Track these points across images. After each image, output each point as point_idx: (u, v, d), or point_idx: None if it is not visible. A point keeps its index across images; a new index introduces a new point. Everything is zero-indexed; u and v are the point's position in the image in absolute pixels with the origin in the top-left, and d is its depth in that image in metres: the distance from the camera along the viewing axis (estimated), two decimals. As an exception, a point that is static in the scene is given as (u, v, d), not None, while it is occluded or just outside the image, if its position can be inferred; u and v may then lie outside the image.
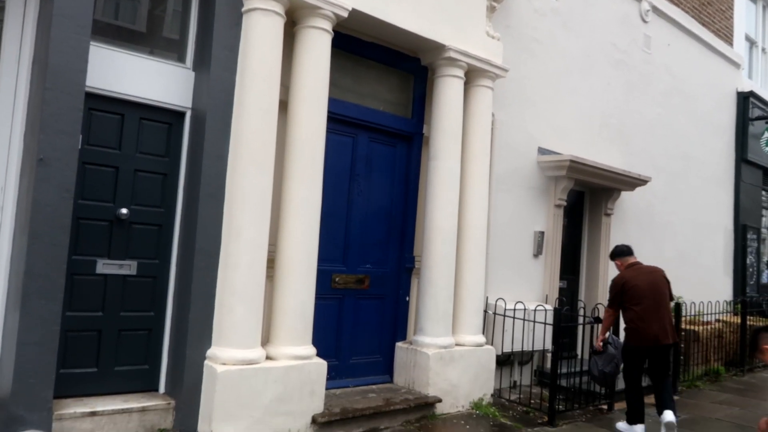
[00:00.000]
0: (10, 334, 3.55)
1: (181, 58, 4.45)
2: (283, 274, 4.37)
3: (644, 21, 8.30)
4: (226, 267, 4.11)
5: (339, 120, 5.06)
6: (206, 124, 4.14)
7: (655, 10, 8.48)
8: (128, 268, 4.12)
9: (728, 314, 9.10)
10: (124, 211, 4.08)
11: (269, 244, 4.29)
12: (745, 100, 10.52)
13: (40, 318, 3.43)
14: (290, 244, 4.38)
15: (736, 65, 10.53)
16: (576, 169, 6.64)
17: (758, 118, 10.67)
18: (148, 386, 4.21)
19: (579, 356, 6.83)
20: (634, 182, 7.49)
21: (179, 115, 4.35)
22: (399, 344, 5.47)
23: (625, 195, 7.79)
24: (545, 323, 5.85)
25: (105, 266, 4.03)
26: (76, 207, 3.78)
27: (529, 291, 6.58)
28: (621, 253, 5.56)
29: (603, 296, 7.37)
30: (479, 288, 5.63)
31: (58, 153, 3.50)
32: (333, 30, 4.61)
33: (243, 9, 4.27)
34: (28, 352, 3.40)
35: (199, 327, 4.07)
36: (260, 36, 4.21)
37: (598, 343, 5.36)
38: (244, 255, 4.08)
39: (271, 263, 4.41)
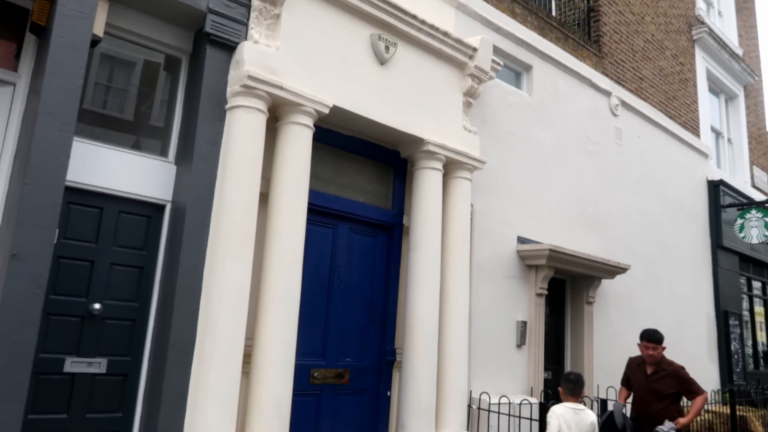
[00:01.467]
0: (-35, 440, 3.36)
1: (163, 153, 4.54)
2: (259, 369, 4.26)
3: (614, 114, 8.74)
4: (201, 363, 4.01)
5: (319, 211, 5.13)
6: (186, 216, 4.17)
7: (624, 104, 8.96)
8: (98, 366, 3.98)
9: (717, 404, 8.97)
10: (96, 306, 4.00)
11: (246, 338, 4.21)
12: (715, 188, 10.93)
13: (1, 422, 3.26)
14: (268, 337, 4.30)
15: (705, 155, 11.01)
16: (556, 258, 6.74)
17: (730, 206, 11.03)
18: (112, 495, 3.97)
19: (568, 452, 6.60)
20: (614, 270, 7.59)
21: (159, 208, 4.38)
22: (380, 442, 5.27)
23: (605, 282, 7.87)
24: (531, 419, 5.70)
25: (73, 364, 3.90)
26: (47, 302, 3.71)
27: (513, 383, 6.46)
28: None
29: (589, 387, 7.26)
30: (462, 381, 5.52)
31: (33, 248, 3.48)
32: (314, 125, 4.78)
33: (227, 106, 4.43)
34: (-17, 460, 3.21)
35: (169, 428, 3.89)
36: (243, 132, 4.34)
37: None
38: (220, 350, 3.99)
39: (248, 358, 4.30)
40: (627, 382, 5.39)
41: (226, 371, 3.99)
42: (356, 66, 5.13)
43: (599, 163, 8.33)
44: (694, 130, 10.97)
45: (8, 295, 3.38)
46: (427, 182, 5.55)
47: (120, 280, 4.15)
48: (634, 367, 5.32)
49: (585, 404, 4.38)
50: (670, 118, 10.20)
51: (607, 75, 8.77)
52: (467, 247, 5.81)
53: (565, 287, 7.68)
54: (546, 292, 6.92)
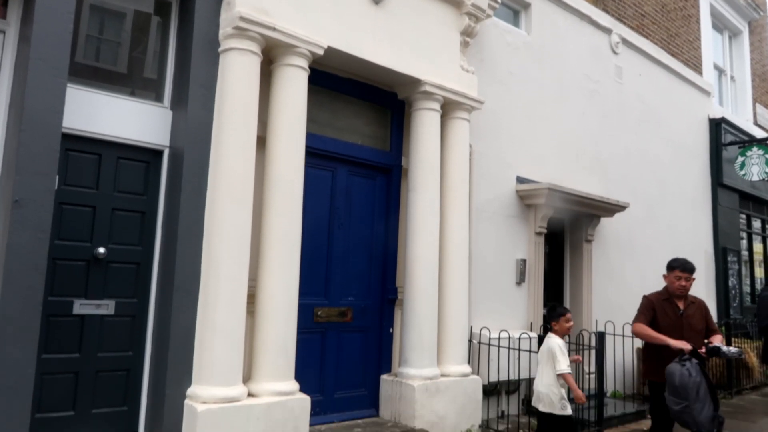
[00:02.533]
0: (-17, 379, 3.46)
1: (158, 98, 4.49)
2: (263, 309, 4.34)
3: (615, 53, 8.53)
4: (206, 304, 4.08)
5: (317, 154, 5.10)
6: (184, 161, 4.16)
7: (625, 42, 8.73)
8: (106, 308, 4.06)
9: (713, 337, 9.11)
10: (101, 250, 4.05)
11: (249, 279, 4.27)
12: (717, 126, 10.77)
13: (15, 362, 3.36)
14: (271, 278, 4.35)
15: (707, 93, 10.81)
16: (555, 196, 6.72)
17: (731, 143, 10.90)
18: (128, 428, 4.11)
19: (566, 384, 6.77)
20: (612, 208, 7.57)
21: (157, 153, 4.36)
22: (384, 377, 5.40)
23: (605, 221, 7.87)
24: (530, 351, 5.82)
25: (82, 307, 3.98)
26: (52, 247, 3.75)
27: (513, 319, 6.56)
28: None
29: (588, 322, 7.38)
30: (463, 317, 5.61)
31: (34, 194, 3.49)
32: (309, 67, 4.69)
33: (220, 49, 4.35)
34: (2, 397, 3.31)
35: (178, 365, 4.00)
36: (237, 75, 4.27)
37: None
38: (224, 291, 4.06)
39: (252, 298, 4.37)
40: (652, 322, 4.51)
41: (231, 311, 4.06)
42: (350, 6, 4.99)
43: (599, 102, 8.19)
44: (697, 68, 10.73)
45: (13, 241, 3.41)
46: (425, 124, 5.49)
47: (122, 224, 4.18)
48: (660, 304, 4.57)
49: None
50: (672, 55, 9.96)
51: (607, 12, 8.52)
52: (466, 187, 5.80)
53: (564, 226, 7.69)
54: (545, 230, 6.93)
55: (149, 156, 4.33)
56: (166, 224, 4.28)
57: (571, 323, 4.59)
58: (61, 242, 3.92)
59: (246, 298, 4.19)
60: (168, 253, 4.19)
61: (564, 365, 4.33)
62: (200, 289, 4.11)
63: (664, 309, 4.54)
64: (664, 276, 4.63)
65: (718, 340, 4.40)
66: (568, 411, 4.33)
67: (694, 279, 4.66)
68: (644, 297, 4.73)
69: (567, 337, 6.40)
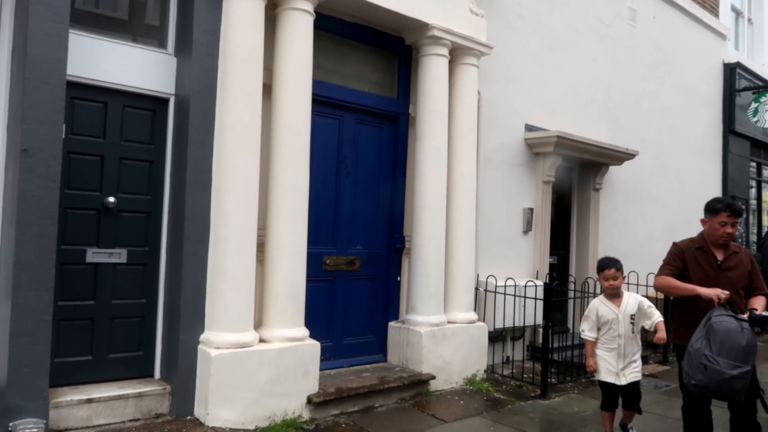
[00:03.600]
0: (2, 326, 3.57)
1: (162, 44, 4.43)
2: (273, 257, 4.41)
3: (629, -6, 8.29)
4: (216, 252, 4.15)
5: (324, 102, 5.07)
6: (190, 109, 4.14)
7: (640, -18, 8.48)
8: (118, 256, 4.14)
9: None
10: (111, 199, 4.09)
11: (258, 228, 4.33)
12: (731, 71, 10.56)
13: (31, 308, 3.46)
14: (279, 227, 4.41)
15: (722, 36, 10.55)
16: (563, 144, 6.68)
17: (745, 89, 10.71)
18: (144, 372, 4.26)
19: (570, 330, 6.93)
20: (621, 156, 7.54)
21: (163, 101, 4.34)
22: (392, 324, 5.54)
23: (613, 170, 7.85)
24: (536, 298, 5.93)
25: (94, 255, 4.05)
26: (62, 197, 3.79)
27: (520, 267, 6.65)
28: None
29: (593, 271, 7.46)
30: (470, 266, 5.69)
31: (42, 143, 3.51)
32: (315, 11, 4.60)
33: (223, -8, 4.25)
34: (20, 342, 3.43)
35: (191, 312, 4.11)
36: (241, 19, 4.20)
37: None
38: (233, 239, 4.12)
39: (261, 247, 4.44)
40: (682, 275, 3.72)
41: (241, 258, 4.14)
42: None
43: (611, 47, 8.02)
44: (713, 10, 10.44)
45: (24, 190, 3.45)
46: (433, 70, 5.41)
47: (131, 174, 4.20)
48: (692, 253, 3.73)
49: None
50: (688, -3, 9.67)
51: None
52: (474, 135, 5.77)
53: (572, 175, 7.68)
54: (553, 179, 6.93)
55: (155, 104, 4.31)
56: (174, 173, 4.31)
57: (611, 282, 4.07)
58: (70, 191, 3.96)
59: (255, 247, 4.26)
60: (177, 203, 4.23)
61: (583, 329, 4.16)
62: (210, 238, 4.18)
63: (696, 259, 3.69)
64: (703, 221, 3.73)
65: (760, 304, 3.58)
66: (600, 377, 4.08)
67: (739, 225, 3.96)
68: (673, 244, 3.88)
69: (573, 285, 6.51)
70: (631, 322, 4.04)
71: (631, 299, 4.12)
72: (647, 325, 4.08)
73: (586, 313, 4.20)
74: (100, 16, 4.24)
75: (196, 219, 4.13)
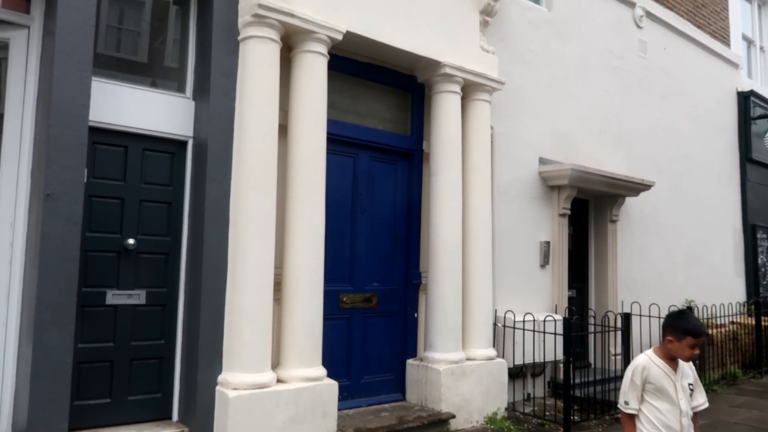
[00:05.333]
0: (24, 367, 3.63)
1: (181, 88, 4.58)
2: (290, 295, 4.45)
3: (639, 26, 8.42)
4: (234, 290, 4.20)
5: (339, 140, 5.17)
6: (208, 150, 4.26)
7: (649, 15, 8.61)
8: (137, 297, 4.21)
9: (742, 316, 9.09)
10: (131, 241, 4.18)
11: (275, 267, 4.38)
12: (745, 99, 10.60)
13: (53, 350, 3.51)
14: (296, 265, 4.46)
15: (735, 65, 10.62)
16: (578, 177, 6.72)
17: (760, 117, 10.72)
18: (162, 414, 4.27)
19: (592, 365, 6.84)
20: (637, 187, 7.55)
21: (181, 144, 4.47)
22: (410, 361, 5.51)
23: (629, 200, 7.85)
24: (555, 333, 5.89)
25: (114, 297, 4.12)
26: (84, 239, 3.88)
27: (538, 301, 6.62)
28: None
29: (613, 303, 7.41)
30: (487, 301, 5.68)
31: (65, 187, 3.62)
32: (329, 52, 4.74)
33: (239, 37, 4.41)
34: (42, 384, 3.48)
35: (209, 352, 4.14)
36: (257, 63, 4.34)
37: None
38: (251, 277, 4.17)
39: (278, 285, 4.48)
40: None
41: (258, 297, 4.18)
42: None
43: (623, 78, 8.12)
44: (724, 40, 10.54)
45: (47, 232, 3.55)
46: (446, 106, 5.51)
47: (150, 216, 4.30)
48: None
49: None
50: (699, 27, 9.80)
51: None
52: (488, 170, 5.83)
53: (588, 206, 7.69)
54: (569, 212, 6.95)
55: (174, 147, 4.44)
56: (192, 214, 4.40)
57: (696, 352, 2.90)
58: (92, 234, 4.06)
59: (273, 285, 4.31)
60: (195, 243, 4.30)
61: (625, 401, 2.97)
62: (228, 277, 4.24)
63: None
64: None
65: None
66: None
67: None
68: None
69: (593, 319, 6.43)
70: (690, 393, 2.96)
71: (685, 364, 2.99)
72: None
73: (627, 375, 2.98)
74: (121, 63, 4.42)
75: (214, 258, 4.19)
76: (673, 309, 7.03)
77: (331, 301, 5.02)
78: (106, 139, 4.16)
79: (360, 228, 5.36)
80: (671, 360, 2.92)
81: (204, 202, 4.23)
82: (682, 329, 2.87)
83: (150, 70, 4.55)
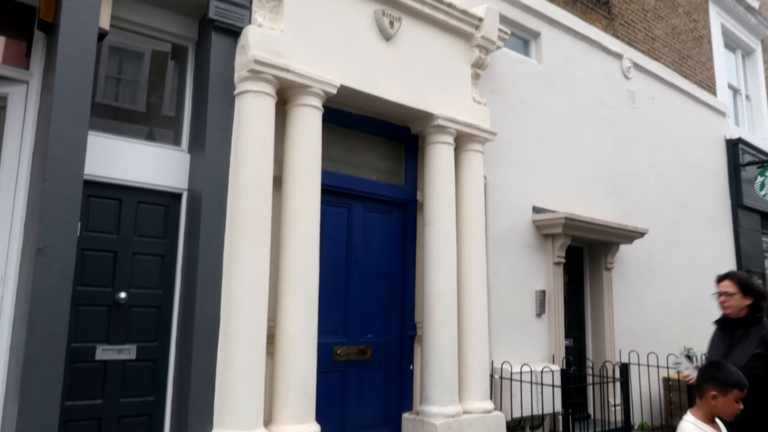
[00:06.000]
0: (9, 425, 3.53)
1: (177, 141, 4.64)
2: (283, 349, 4.39)
3: (626, 77, 8.64)
4: (226, 346, 4.14)
5: (333, 191, 5.21)
6: (202, 203, 4.27)
7: (637, 66, 8.85)
8: (128, 352, 4.14)
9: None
10: (122, 295, 4.14)
11: (268, 320, 4.34)
12: (734, 146, 10.79)
13: (39, 410, 3.42)
14: (290, 318, 4.42)
15: (722, 114, 10.86)
16: (572, 226, 6.76)
17: (749, 164, 10.89)
18: (149, 475, 4.16)
19: (591, 417, 6.72)
20: (631, 235, 7.59)
21: (176, 196, 4.49)
22: (405, 415, 5.40)
23: (624, 248, 7.88)
24: (554, 385, 5.80)
25: (104, 352, 4.06)
26: (75, 293, 3.85)
27: (535, 351, 6.55)
28: None
29: (611, 352, 7.34)
30: (484, 352, 5.62)
31: (57, 242, 3.61)
32: (323, 105, 4.82)
33: (235, 92, 4.49)
34: (26, 446, 3.38)
35: (200, 409, 4.05)
36: (252, 117, 4.40)
37: None
38: (244, 332, 4.12)
39: (271, 339, 4.43)
40: None
41: (251, 352, 4.12)
42: (362, 44, 5.15)
43: (613, 127, 8.27)
44: (711, 89, 10.80)
45: (37, 287, 3.51)
46: (439, 157, 5.59)
47: (143, 268, 4.28)
48: None
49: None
50: (685, 77, 10.05)
51: (617, 37, 8.66)
52: (482, 219, 5.86)
53: (583, 254, 7.71)
54: (564, 260, 6.96)
55: (168, 199, 4.46)
56: (185, 267, 4.38)
57: (741, 406, 2.68)
58: (83, 288, 4.03)
59: (265, 339, 4.26)
60: (188, 296, 4.27)
61: None
62: (220, 331, 4.19)
63: None
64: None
65: None
66: None
67: None
68: None
69: (591, 370, 6.36)
70: None
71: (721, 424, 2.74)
72: None
73: None
74: (117, 116, 4.48)
75: (206, 312, 4.16)
76: (672, 358, 6.97)
77: (325, 353, 4.96)
78: (100, 192, 4.18)
79: (354, 279, 5.34)
80: (713, 422, 2.66)
81: (197, 254, 4.22)
82: (728, 382, 2.63)
83: (146, 122, 4.61)
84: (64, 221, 3.64)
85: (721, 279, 3.78)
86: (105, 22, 4.09)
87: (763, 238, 11.59)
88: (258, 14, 4.61)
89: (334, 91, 4.81)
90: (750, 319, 3.58)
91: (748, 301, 3.61)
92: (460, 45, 5.96)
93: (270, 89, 4.50)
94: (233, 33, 4.55)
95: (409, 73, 5.44)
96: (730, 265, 10.42)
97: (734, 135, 10.95)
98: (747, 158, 10.97)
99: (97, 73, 4.28)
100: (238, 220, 4.28)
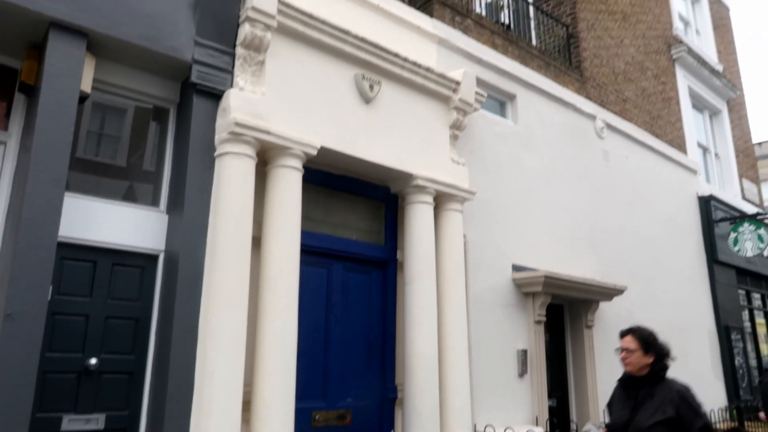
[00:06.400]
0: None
1: (155, 202, 4.60)
2: (259, 416, 4.25)
3: (600, 137, 8.89)
4: (200, 413, 4.00)
5: (312, 252, 5.17)
6: (179, 265, 4.21)
7: (609, 126, 9.12)
8: (95, 422, 3.96)
9: (726, 422, 8.93)
10: (93, 361, 4.00)
11: (245, 385, 4.21)
12: (706, 203, 11.05)
13: (-2, 487, 3.25)
14: (266, 383, 4.29)
15: (693, 171, 11.17)
16: (551, 284, 6.78)
17: (722, 220, 11.13)
18: None
19: (577, 481, 6.55)
20: (610, 292, 7.62)
21: (152, 258, 4.42)
22: (386, 483, 5.22)
23: (603, 305, 7.89)
24: (537, 448, 5.68)
25: (71, 422, 3.88)
26: (43, 360, 3.71)
27: (518, 413, 6.43)
28: None
29: (594, 412, 7.23)
30: (466, 414, 5.50)
31: (27, 307, 3.50)
32: (303, 166, 4.86)
33: (216, 153, 4.51)
34: None
35: (170, 483, 3.86)
36: (232, 178, 4.41)
37: None
38: (219, 399, 3.99)
39: (247, 405, 4.29)
40: None
41: (225, 420, 3.98)
42: (342, 106, 5.25)
43: (589, 185, 8.43)
44: (681, 148, 11.15)
45: (3, 356, 3.39)
46: (419, 217, 5.62)
47: (115, 332, 4.16)
48: None
49: None
50: (656, 136, 10.37)
51: (590, 99, 8.96)
52: (462, 279, 5.85)
53: (563, 312, 7.70)
54: (544, 318, 6.93)
55: (144, 261, 4.38)
56: (159, 330, 4.27)
57: None
58: (52, 354, 3.89)
59: (241, 406, 4.12)
60: (161, 361, 4.15)
61: None
62: (194, 398, 4.05)
63: None
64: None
65: None
66: None
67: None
68: None
69: (575, 430, 6.24)
70: None
71: None
72: None
73: None
74: (95, 175, 4.45)
75: (180, 379, 4.02)
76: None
77: (303, 419, 4.80)
78: (74, 254, 4.10)
79: (334, 340, 5.24)
80: None
81: (173, 318, 4.12)
82: None
83: (125, 181, 4.59)
84: (34, 286, 3.55)
85: (623, 334, 3.71)
86: (87, 86, 4.12)
87: (740, 293, 11.74)
88: (240, 78, 4.69)
89: (314, 152, 4.86)
90: (653, 378, 3.49)
91: (649, 359, 3.50)
92: (440, 107, 6.11)
93: (250, 151, 4.52)
94: (215, 96, 4.60)
95: (389, 134, 5.54)
96: (709, 319, 10.50)
97: (706, 192, 11.23)
98: (719, 214, 11.23)
99: (77, 129, 4.27)
100: (215, 282, 4.22)
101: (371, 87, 5.46)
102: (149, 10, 4.33)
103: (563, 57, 8.97)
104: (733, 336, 10.88)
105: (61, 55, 3.91)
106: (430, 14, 6.76)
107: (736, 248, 10.93)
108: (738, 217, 11.19)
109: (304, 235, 4.92)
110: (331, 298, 5.30)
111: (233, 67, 4.70)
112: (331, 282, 5.34)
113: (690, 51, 11.89)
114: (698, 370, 9.74)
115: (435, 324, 5.44)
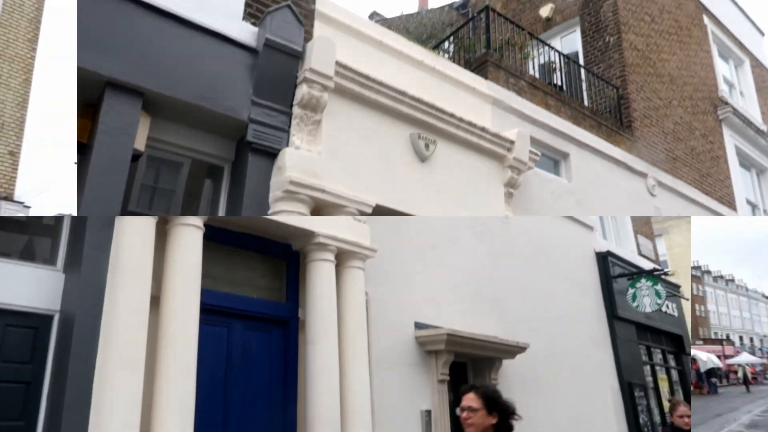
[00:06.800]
0: None
1: (52, 261, 4.98)
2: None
3: (652, 195, 10.33)
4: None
5: (213, 310, 5.66)
6: (75, 325, 4.54)
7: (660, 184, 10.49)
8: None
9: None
10: (-24, 432, 4.25)
11: (141, 451, 4.55)
12: (604, 259, 12.51)
13: None
14: (165, 448, 4.64)
15: (589, 228, 12.65)
16: (454, 341, 7.53)
17: (620, 275, 12.60)
18: None
19: None
20: (512, 350, 8.50)
21: (47, 318, 4.76)
22: None
23: (507, 363, 8.75)
24: (442, 508, 6.27)
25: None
26: None
27: (423, 475, 7.02)
28: None
29: (500, 473, 7.93)
30: (370, 479, 6.02)
31: None
32: (204, 224, 5.41)
33: (269, 212, 5.13)
34: None
35: None
36: (132, 236, 4.86)
37: None
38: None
39: (142, 475, 4.61)
40: None
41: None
42: (397, 164, 6.01)
43: (489, 243, 9.44)
44: (731, 204, 12.87)
45: None
46: (320, 274, 6.22)
47: (5, 398, 4.43)
48: None
49: None
50: (706, 194, 12.04)
51: (641, 157, 10.23)
52: (365, 336, 6.49)
53: (467, 370, 8.50)
54: (448, 377, 7.65)
55: (38, 321, 4.73)
56: (51, 394, 4.57)
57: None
58: (-67, 424, 4.11)
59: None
60: (52, 429, 4.42)
61: None
62: (86, 471, 4.32)
63: None
64: None
65: None
66: None
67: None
68: None
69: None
70: None
71: None
72: None
73: None
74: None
75: (73, 447, 4.31)
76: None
77: (202, 487, 5.16)
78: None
79: (234, 403, 5.69)
80: None
81: (66, 380, 4.41)
82: None
83: (20, 245, 4.94)
84: None
85: (465, 391, 3.49)
86: (141, 144, 4.55)
87: (641, 349, 13.14)
88: (296, 137, 5.29)
89: (369, 210, 5.66)
90: None
91: (493, 420, 3.32)
92: (494, 166, 7.10)
93: (305, 209, 5.20)
94: (270, 154, 5.17)
95: (445, 192, 6.34)
96: (612, 376, 11.70)
97: (603, 248, 12.69)
98: (617, 270, 12.69)
99: (131, 183, 4.61)
100: (112, 344, 4.55)
101: (427, 146, 6.23)
102: (207, 71, 4.83)
103: (614, 117, 10.29)
104: (637, 393, 12.07)
105: (116, 114, 4.33)
106: (485, 76, 7.77)
107: (635, 304, 12.36)
108: (636, 273, 12.70)
109: (205, 293, 5.37)
110: (230, 359, 5.77)
111: (289, 126, 5.29)
112: (231, 341, 5.83)
113: (735, 112, 13.75)
114: (604, 428, 10.79)
115: (337, 385, 5.97)
